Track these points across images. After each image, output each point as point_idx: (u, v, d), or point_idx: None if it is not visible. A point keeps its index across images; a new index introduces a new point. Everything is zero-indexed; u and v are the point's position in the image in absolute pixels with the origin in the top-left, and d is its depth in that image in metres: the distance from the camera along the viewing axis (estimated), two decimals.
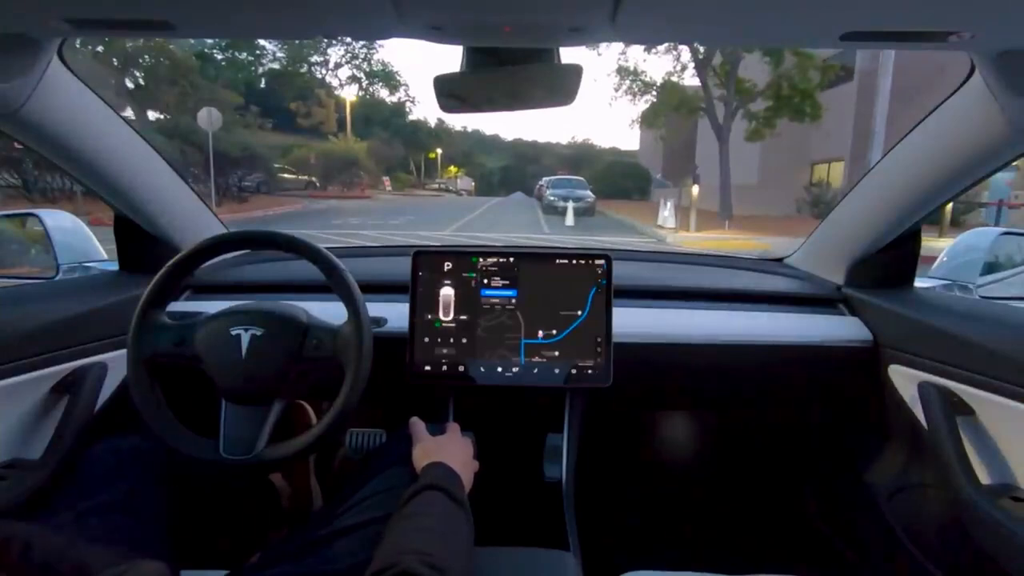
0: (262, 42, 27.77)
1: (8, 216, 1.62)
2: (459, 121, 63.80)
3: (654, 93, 15.12)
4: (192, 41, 20.51)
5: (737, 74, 12.36)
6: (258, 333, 0.79)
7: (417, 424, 0.85)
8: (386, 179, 31.47)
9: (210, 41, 25.11)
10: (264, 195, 16.52)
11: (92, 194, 1.04)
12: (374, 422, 1.43)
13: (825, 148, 14.18)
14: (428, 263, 1.02)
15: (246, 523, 1.13)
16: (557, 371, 0.99)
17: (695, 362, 1.13)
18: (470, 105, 0.83)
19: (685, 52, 13.31)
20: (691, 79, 13.78)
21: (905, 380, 1.00)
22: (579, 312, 1.01)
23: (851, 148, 12.84)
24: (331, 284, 0.82)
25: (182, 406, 0.84)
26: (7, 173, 10.61)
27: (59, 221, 1.38)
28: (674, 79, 14.53)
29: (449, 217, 14.19)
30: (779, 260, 1.43)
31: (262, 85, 31.75)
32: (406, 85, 49.70)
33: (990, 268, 1.42)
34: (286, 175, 21.94)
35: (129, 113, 16.01)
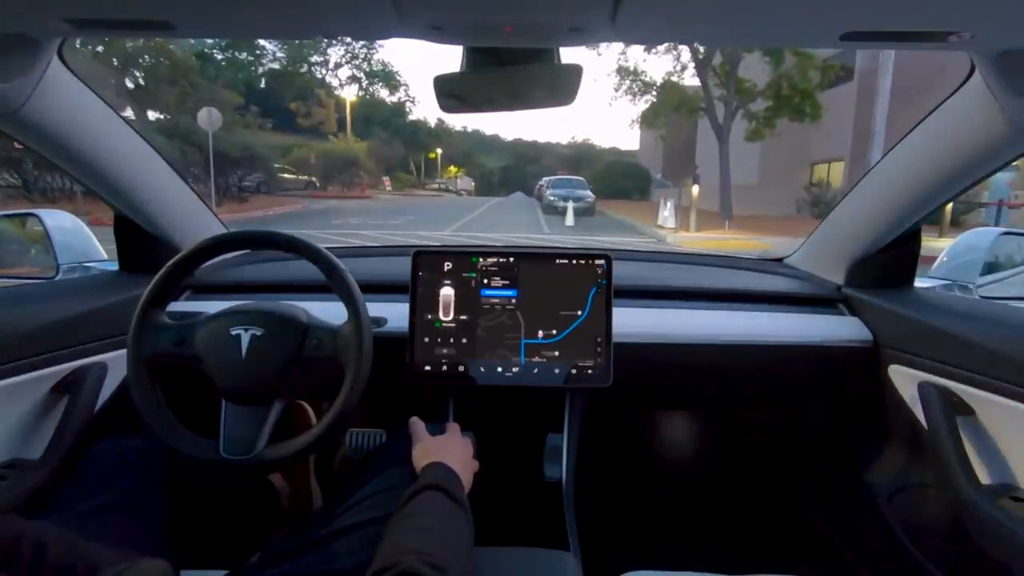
0: (262, 42, 27.79)
1: (8, 216, 1.62)
2: (459, 121, 63.84)
3: (654, 93, 15.12)
4: (192, 41, 20.51)
5: (737, 74, 12.36)
6: (258, 333, 0.79)
7: (417, 424, 0.85)
8: (386, 179, 31.47)
9: (210, 41, 25.11)
10: (264, 195, 16.52)
11: (92, 194, 1.04)
12: (374, 422, 1.43)
13: (825, 148, 14.18)
14: (428, 263, 1.02)
15: (246, 523, 1.13)
16: (557, 371, 0.99)
17: (695, 362, 1.13)
18: (470, 105, 0.83)
19: (685, 52, 13.32)
20: (691, 79, 13.81)
21: (905, 380, 1.00)
22: (579, 312, 1.01)
23: (851, 148, 12.84)
24: (331, 284, 0.82)
25: (182, 406, 0.84)
26: (7, 173, 10.61)
27: (59, 221, 1.38)
28: (674, 79, 14.54)
29: (449, 217, 14.18)
30: (779, 260, 1.43)
31: (262, 85, 31.76)
32: (406, 85, 49.78)
33: (990, 268, 1.42)
34: (286, 175, 21.94)
35: (129, 113, 16.02)
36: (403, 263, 1.03)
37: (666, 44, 9.59)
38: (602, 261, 1.02)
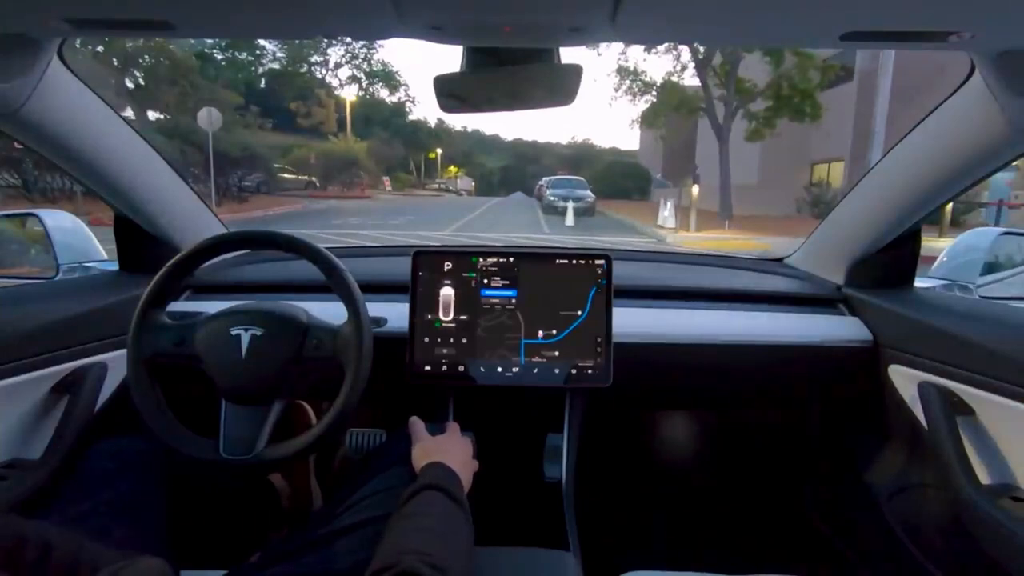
0: (262, 42, 27.78)
1: (8, 216, 1.62)
2: (459, 121, 63.82)
3: (654, 93, 15.11)
4: (192, 41, 20.50)
5: (737, 74, 12.36)
6: (258, 333, 0.79)
7: (417, 424, 0.85)
8: (386, 179, 31.47)
9: (210, 41, 25.11)
10: (264, 195, 16.52)
11: (92, 194, 1.04)
12: (374, 422, 1.43)
13: (825, 148, 14.18)
14: (428, 263, 1.02)
15: (246, 523, 1.13)
16: (557, 371, 0.99)
17: (695, 362, 1.13)
18: (470, 105, 0.83)
19: (685, 52, 13.31)
20: (691, 79, 13.80)
21: (905, 380, 1.00)
22: (579, 312, 1.01)
23: (851, 148, 12.84)
24: (331, 284, 0.82)
25: (182, 406, 0.84)
26: (7, 173, 10.61)
27: (59, 221, 1.38)
28: (674, 79, 14.53)
29: (449, 217, 14.19)
30: (779, 260, 1.43)
31: (262, 85, 31.74)
32: (406, 85, 49.73)
33: (990, 268, 1.42)
34: (286, 175, 21.94)
35: (129, 113, 16.01)
36: (403, 263, 1.03)
37: (666, 44, 9.59)
38: (602, 261, 1.02)
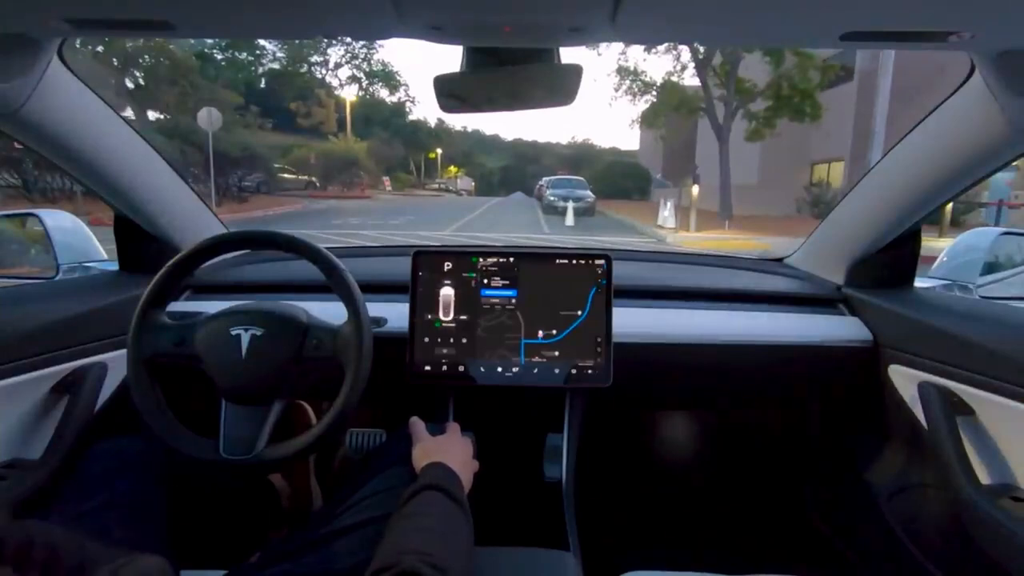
0: (262, 42, 27.78)
1: (8, 216, 1.62)
2: (459, 121, 63.80)
3: (654, 93, 15.11)
4: (192, 41, 20.50)
5: (737, 74, 12.36)
6: (258, 333, 0.79)
7: (417, 424, 0.85)
8: (386, 179, 31.47)
9: (210, 41, 25.10)
10: (264, 195, 16.52)
11: (92, 194, 1.04)
12: (374, 422, 1.43)
13: (825, 148, 14.18)
14: (428, 263, 1.02)
15: (246, 523, 1.13)
16: (557, 371, 0.99)
17: (695, 362, 1.13)
18: (470, 105, 0.83)
19: (685, 52, 13.31)
20: (691, 79, 13.80)
21: (905, 380, 1.00)
22: (579, 312, 1.01)
23: (851, 148, 12.84)
24: (331, 284, 0.82)
25: (182, 406, 0.84)
26: (7, 173, 10.61)
27: (59, 221, 1.38)
28: (674, 79, 14.53)
29: (449, 217, 14.19)
30: (779, 260, 1.43)
31: (262, 85, 31.74)
32: (406, 85, 49.69)
33: (990, 268, 1.42)
34: (286, 175, 21.94)
35: (129, 113, 16.01)
36: (403, 263, 1.03)
37: (666, 44, 9.59)
38: (602, 261, 1.02)
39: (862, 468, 1.15)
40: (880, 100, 8.86)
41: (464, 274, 1.02)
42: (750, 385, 1.26)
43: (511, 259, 1.02)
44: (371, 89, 35.95)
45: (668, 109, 14.21)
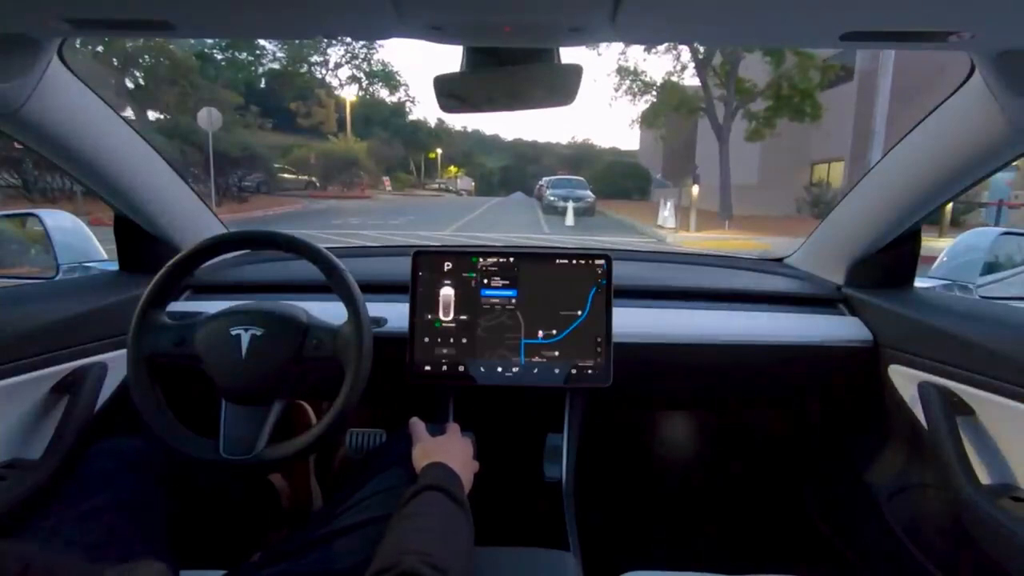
0: (262, 42, 27.75)
1: (8, 216, 1.62)
2: (459, 121, 63.84)
3: (654, 93, 15.11)
4: (192, 41, 20.49)
5: (737, 74, 12.36)
6: (258, 333, 0.79)
7: (417, 424, 0.85)
8: (386, 179, 31.47)
9: (210, 41, 25.08)
10: (264, 195, 16.52)
11: (92, 194, 1.04)
12: (374, 422, 1.43)
13: (825, 148, 14.18)
14: (428, 263, 1.02)
15: (246, 523, 1.13)
16: (557, 371, 0.99)
17: (695, 362, 1.13)
18: (470, 105, 0.83)
19: (685, 52, 13.31)
20: (691, 79, 13.80)
21: (905, 380, 1.00)
22: (579, 312, 1.01)
23: (851, 148, 12.84)
24: (331, 284, 0.82)
25: (182, 406, 0.84)
26: (7, 173, 10.61)
27: (59, 221, 1.38)
28: (674, 79, 14.53)
29: (449, 217, 14.18)
30: (779, 260, 1.43)
31: (262, 85, 31.72)
32: (406, 85, 49.66)
33: (990, 268, 1.42)
34: (286, 175, 21.94)
35: (129, 113, 16.01)
36: (403, 263, 1.03)
37: (666, 44, 9.59)
38: (602, 261, 1.02)
39: (862, 468, 1.15)
40: (880, 100, 8.86)
41: (464, 274, 1.02)
42: (750, 385, 1.26)
43: (511, 259, 1.02)
44: (371, 89, 35.95)
45: (668, 109, 14.21)
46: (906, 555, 1.01)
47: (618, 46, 12.61)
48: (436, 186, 38.53)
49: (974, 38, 0.60)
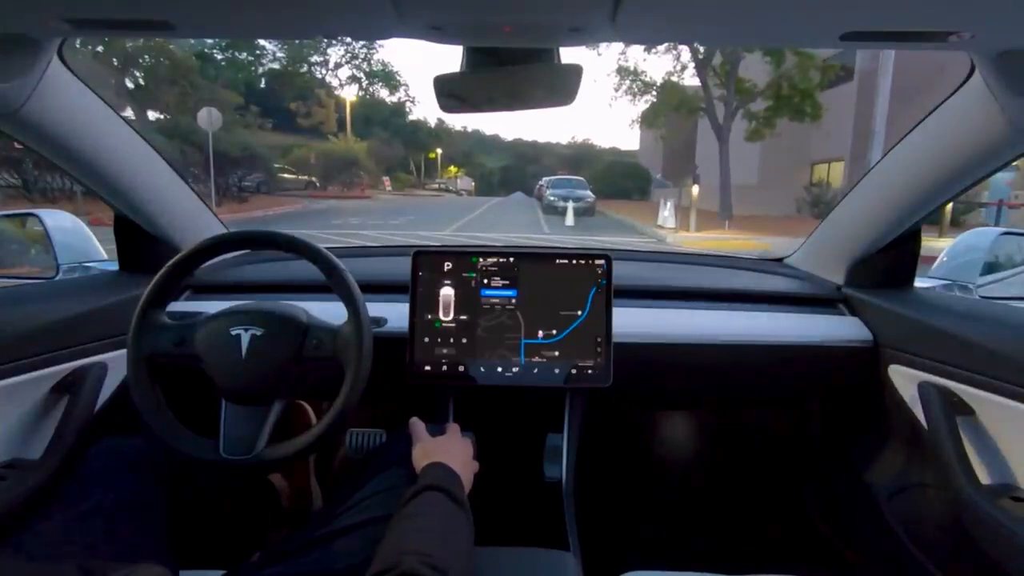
0: (262, 42, 27.74)
1: (8, 216, 1.62)
2: (459, 121, 63.83)
3: (654, 93, 15.11)
4: (192, 41, 20.49)
5: (737, 74, 12.36)
6: (258, 333, 0.79)
7: (417, 424, 0.85)
8: (386, 179, 31.47)
9: (210, 41, 25.07)
10: (264, 195, 16.52)
11: (92, 194, 1.04)
12: (374, 422, 1.43)
13: (825, 148, 14.18)
14: (428, 263, 1.02)
15: (246, 523, 1.13)
16: (557, 371, 0.99)
17: (695, 362, 1.13)
18: (470, 105, 0.83)
19: (685, 52, 13.31)
20: (691, 79, 13.80)
21: (905, 380, 1.00)
22: (579, 312, 1.01)
23: (851, 148, 12.84)
24: (331, 284, 0.82)
25: (182, 406, 0.84)
26: (7, 173, 10.61)
27: (59, 221, 1.38)
28: (674, 79, 14.53)
29: (449, 217, 14.18)
30: (779, 260, 1.43)
31: (262, 85, 31.71)
32: (406, 85, 49.65)
33: (990, 268, 1.42)
34: (286, 175, 21.94)
35: (129, 113, 16.01)
36: (403, 263, 1.03)
37: (666, 44, 9.59)
38: (602, 261, 1.02)
39: (862, 468, 1.15)
40: (880, 100, 8.86)
41: (464, 274, 1.02)
42: (750, 385, 1.26)
43: (511, 259, 1.02)
44: (371, 89, 35.95)
45: (668, 109, 14.21)
46: (906, 555, 1.01)
47: (618, 46, 12.62)
48: (436, 186, 38.53)
49: (974, 38, 0.60)
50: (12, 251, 1.56)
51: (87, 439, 0.85)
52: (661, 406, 1.57)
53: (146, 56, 17.49)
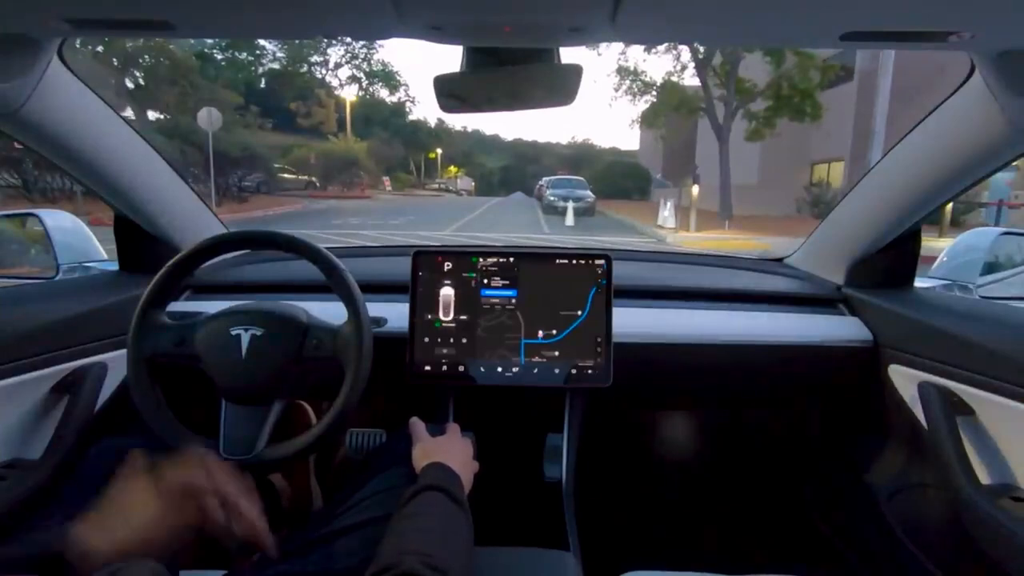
0: (262, 42, 27.75)
1: (8, 216, 1.62)
2: (459, 121, 63.82)
3: (654, 93, 15.11)
4: (192, 41, 20.50)
5: (737, 74, 12.36)
6: (258, 333, 0.79)
7: (417, 424, 0.85)
8: (386, 179, 31.48)
9: (210, 41, 25.09)
10: (264, 195, 16.52)
11: (92, 194, 1.04)
12: (374, 422, 1.43)
13: (825, 148, 14.18)
14: (428, 263, 1.02)
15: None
16: (557, 371, 0.99)
17: (695, 362, 1.13)
18: (470, 105, 0.83)
19: (685, 52, 13.31)
20: (691, 79, 13.80)
21: (905, 380, 1.00)
22: (579, 312, 1.01)
23: (851, 148, 12.84)
24: (331, 284, 0.82)
25: (182, 406, 0.84)
26: (7, 173, 10.61)
27: (59, 221, 1.38)
28: (674, 79, 14.53)
29: (449, 217, 14.18)
30: (779, 260, 1.43)
31: (262, 85, 31.72)
32: (406, 85, 49.61)
33: (990, 268, 1.42)
34: (286, 175, 21.95)
35: (129, 113, 16.01)
36: (403, 263, 1.03)
37: (666, 44, 9.60)
38: (602, 261, 1.02)
39: (862, 468, 1.15)
40: (880, 100, 8.87)
41: (464, 274, 1.02)
42: (750, 385, 1.26)
43: (511, 259, 1.02)
44: (371, 89, 35.97)
45: (668, 109, 14.21)
46: (906, 555, 1.01)
47: (618, 46, 12.62)
48: (436, 186, 38.53)
49: (974, 38, 0.60)
50: (12, 251, 1.57)
51: (87, 439, 0.85)
52: (661, 406, 1.57)
53: (146, 56, 17.49)
